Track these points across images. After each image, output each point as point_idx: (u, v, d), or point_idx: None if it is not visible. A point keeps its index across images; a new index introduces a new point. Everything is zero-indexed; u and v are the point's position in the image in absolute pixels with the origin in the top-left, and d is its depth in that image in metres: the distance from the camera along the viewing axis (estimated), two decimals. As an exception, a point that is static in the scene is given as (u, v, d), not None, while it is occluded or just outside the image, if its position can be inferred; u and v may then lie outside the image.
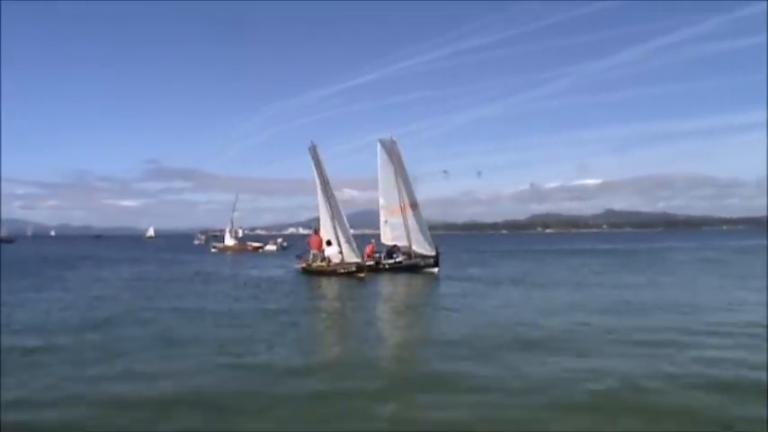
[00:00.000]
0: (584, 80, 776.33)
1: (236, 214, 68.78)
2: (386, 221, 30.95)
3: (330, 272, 26.73)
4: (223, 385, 8.46)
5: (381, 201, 31.23)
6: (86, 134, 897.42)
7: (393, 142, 30.86)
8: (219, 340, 11.70)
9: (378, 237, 31.25)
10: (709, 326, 12.88)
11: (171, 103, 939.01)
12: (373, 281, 24.62)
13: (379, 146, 31.08)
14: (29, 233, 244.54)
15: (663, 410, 7.14)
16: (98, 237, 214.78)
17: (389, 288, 23.15)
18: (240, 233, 70.69)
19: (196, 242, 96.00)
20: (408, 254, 29.55)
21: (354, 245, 27.35)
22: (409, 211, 30.13)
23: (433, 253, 29.18)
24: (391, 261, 29.30)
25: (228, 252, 61.41)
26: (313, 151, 28.62)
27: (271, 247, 63.87)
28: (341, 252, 27.14)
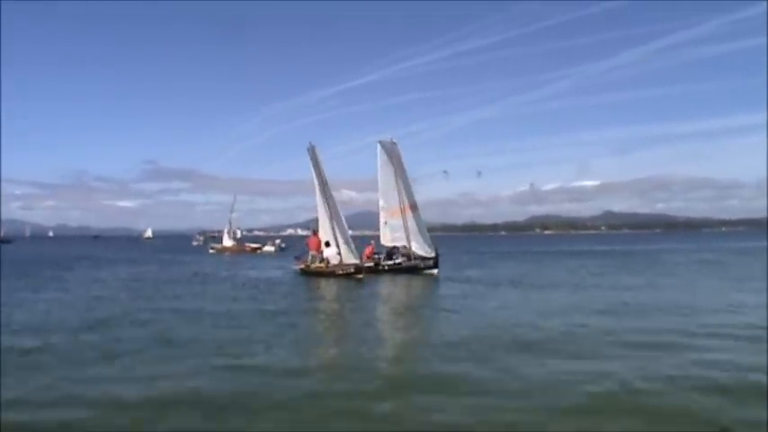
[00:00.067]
0: (584, 81, 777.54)
1: (234, 215, 68.94)
2: (386, 223, 30.93)
3: (328, 273, 26.70)
4: (221, 386, 8.44)
5: (381, 202, 31.21)
6: (84, 134, 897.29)
7: (393, 144, 30.87)
8: (218, 341, 11.68)
9: (377, 238, 31.23)
10: (708, 328, 12.87)
11: (169, 104, 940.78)
12: (372, 282, 24.60)
13: (379, 147, 31.08)
14: (27, 233, 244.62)
15: (662, 413, 7.13)
16: (96, 237, 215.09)
17: (388, 289, 23.13)
18: (238, 234, 70.65)
19: (194, 243, 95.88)
20: (408, 255, 29.54)
21: (353, 246, 27.33)
22: (409, 213, 30.12)
23: (433, 254, 29.17)
24: (391, 262, 29.29)
25: (227, 253, 61.37)
26: (311, 152, 28.61)
27: (269, 248, 63.84)
28: (339, 253, 27.12)
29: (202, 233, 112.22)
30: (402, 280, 25.94)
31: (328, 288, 22.93)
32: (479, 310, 16.41)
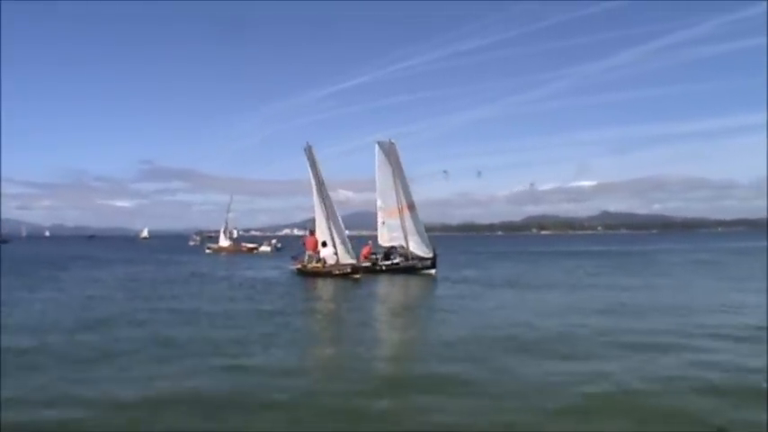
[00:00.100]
0: (583, 81, 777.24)
1: (230, 215, 68.78)
2: (383, 223, 30.91)
3: (325, 273, 26.68)
4: (219, 386, 8.43)
5: (379, 202, 31.19)
6: (81, 134, 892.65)
7: (391, 144, 30.85)
8: (215, 341, 11.67)
9: (375, 238, 31.23)
10: (705, 328, 12.89)
11: (166, 104, 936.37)
12: (369, 282, 24.59)
13: (377, 147, 31.06)
14: (23, 233, 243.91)
15: (659, 414, 7.15)
16: (92, 237, 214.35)
17: (385, 289, 23.14)
18: (235, 234, 70.62)
19: (191, 243, 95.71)
20: (405, 255, 29.54)
21: (350, 246, 27.33)
22: (407, 213, 30.10)
23: (431, 255, 29.15)
24: (388, 263, 29.28)
25: (223, 253, 61.30)
26: (308, 152, 28.60)
27: (265, 248, 63.79)
28: (336, 253, 27.11)
29: (199, 233, 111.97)
30: (399, 280, 25.94)
31: (325, 288, 22.92)
32: (476, 311, 16.42)
